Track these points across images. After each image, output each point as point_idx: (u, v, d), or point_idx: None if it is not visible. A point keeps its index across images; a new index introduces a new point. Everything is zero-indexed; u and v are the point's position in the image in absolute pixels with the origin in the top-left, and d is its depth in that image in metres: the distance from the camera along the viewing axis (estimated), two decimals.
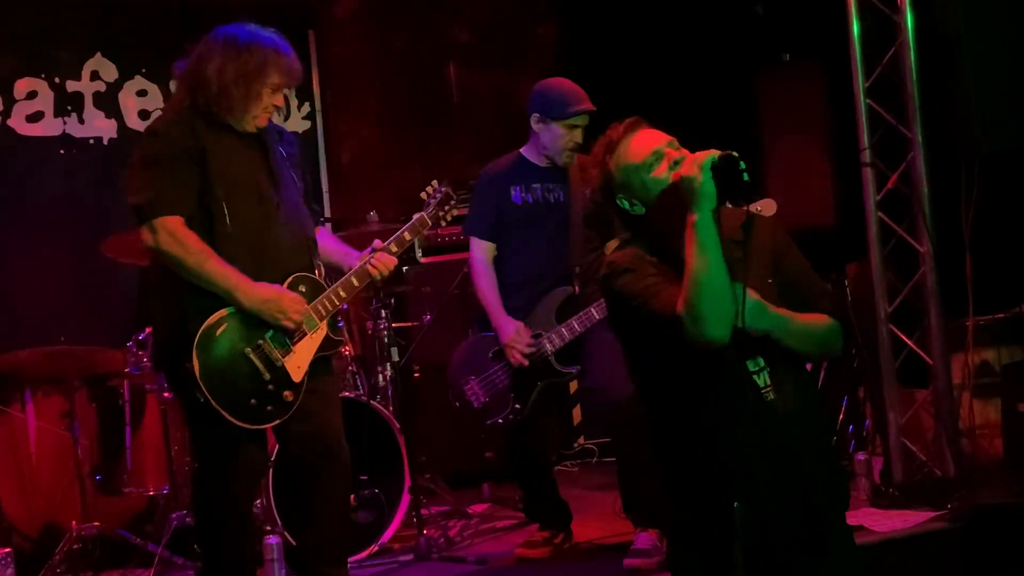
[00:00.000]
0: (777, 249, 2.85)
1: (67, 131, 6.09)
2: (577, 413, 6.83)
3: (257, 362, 3.55)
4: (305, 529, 3.81)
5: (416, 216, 4.04)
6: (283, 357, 3.59)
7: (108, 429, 4.99)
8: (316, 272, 3.75)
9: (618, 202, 2.79)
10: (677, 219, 2.64)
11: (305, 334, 3.64)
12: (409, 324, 6.10)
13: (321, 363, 3.72)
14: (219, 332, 3.51)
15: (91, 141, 6.15)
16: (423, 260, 6.34)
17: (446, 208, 4.11)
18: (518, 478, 4.77)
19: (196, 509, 3.80)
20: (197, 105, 3.60)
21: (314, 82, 6.85)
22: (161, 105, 6.08)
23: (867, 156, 4.98)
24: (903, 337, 5.01)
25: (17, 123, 5.96)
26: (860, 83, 4.98)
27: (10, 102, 5.96)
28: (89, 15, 6.18)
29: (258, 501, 4.55)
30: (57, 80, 6.07)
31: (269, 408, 3.57)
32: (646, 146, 2.78)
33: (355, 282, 3.79)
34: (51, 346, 4.93)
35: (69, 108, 6.10)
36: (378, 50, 7.17)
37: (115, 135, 6.18)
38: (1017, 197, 5.06)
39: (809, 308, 2.78)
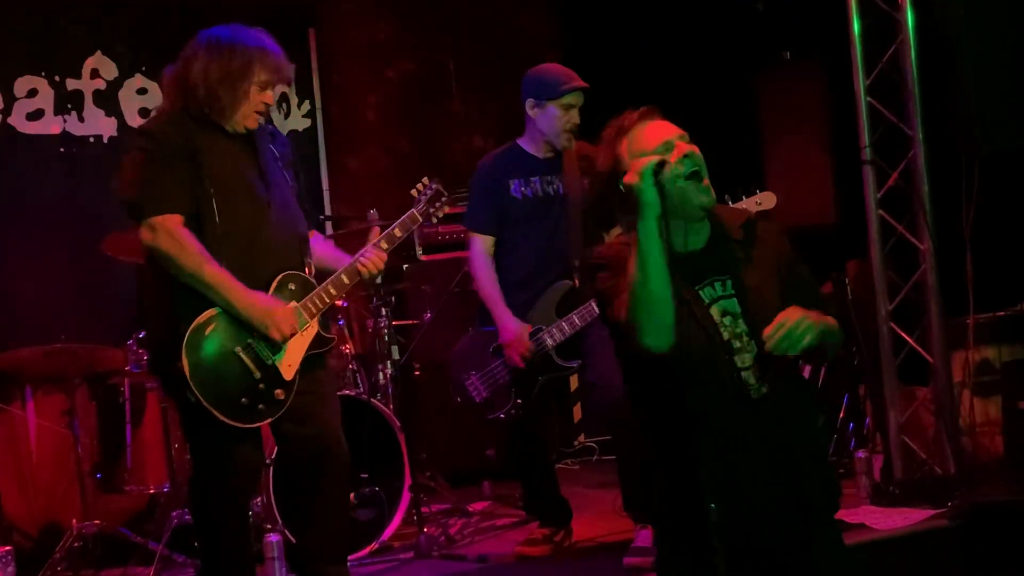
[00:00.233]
0: (782, 259, 2.86)
1: (67, 129, 6.09)
2: (578, 411, 6.84)
3: (247, 361, 3.55)
4: (305, 528, 3.80)
5: (407, 213, 4.04)
6: (273, 355, 3.59)
7: (108, 427, 4.98)
8: (307, 270, 3.75)
9: (621, 186, 2.80)
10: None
11: (296, 332, 3.65)
12: (410, 322, 6.10)
13: (315, 361, 3.72)
14: (208, 332, 3.51)
15: (91, 139, 6.15)
16: (423, 258, 6.34)
17: (437, 205, 4.10)
18: (519, 475, 4.77)
19: (193, 509, 3.80)
20: (189, 107, 3.61)
21: (314, 80, 6.85)
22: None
23: (868, 154, 4.98)
24: (903, 335, 5.01)
25: (17, 121, 5.97)
26: (860, 81, 4.97)
27: (10, 100, 5.96)
28: (89, 13, 6.18)
29: (258, 499, 4.56)
30: (57, 78, 6.08)
31: (261, 407, 3.56)
32: (658, 135, 2.81)
33: (345, 279, 3.79)
34: (51, 344, 4.92)
35: (69, 106, 6.10)
36: (378, 48, 7.17)
37: (115, 133, 6.18)
38: (1018, 195, 5.06)
39: None
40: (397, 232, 3.94)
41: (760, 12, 6.20)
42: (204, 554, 3.74)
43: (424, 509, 4.85)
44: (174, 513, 4.66)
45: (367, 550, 4.59)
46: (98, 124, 6.17)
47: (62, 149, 6.07)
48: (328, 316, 3.80)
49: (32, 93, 6.01)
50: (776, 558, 2.70)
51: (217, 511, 3.65)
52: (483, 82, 7.31)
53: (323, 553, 3.75)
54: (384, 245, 3.89)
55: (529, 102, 4.43)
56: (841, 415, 5.54)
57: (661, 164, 2.63)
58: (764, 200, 4.21)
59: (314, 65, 6.84)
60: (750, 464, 2.68)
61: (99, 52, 6.19)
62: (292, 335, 3.59)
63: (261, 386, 3.56)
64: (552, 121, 4.39)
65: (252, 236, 3.61)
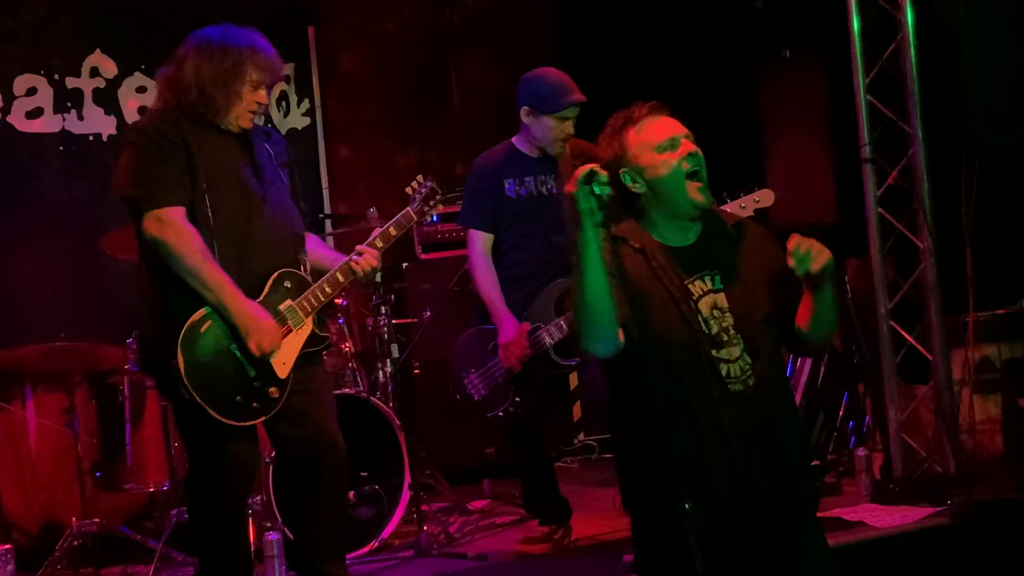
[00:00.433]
0: (772, 261, 2.90)
1: (66, 128, 6.08)
2: (577, 409, 6.83)
3: (242, 359, 3.55)
4: (303, 527, 3.80)
5: (402, 212, 4.04)
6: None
7: (108, 425, 4.98)
8: (302, 268, 3.75)
9: (621, 176, 2.84)
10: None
11: (291, 330, 3.64)
12: (409, 320, 6.10)
13: (310, 359, 3.72)
14: (203, 329, 3.51)
15: (90, 138, 6.14)
16: (423, 256, 6.34)
17: (431, 203, 4.11)
18: (518, 473, 4.78)
19: (190, 508, 3.81)
20: (182, 105, 3.61)
21: (314, 79, 6.84)
22: None
23: (867, 152, 4.98)
24: (903, 333, 5.01)
25: (16, 120, 5.95)
26: (860, 79, 4.97)
27: (9, 98, 5.95)
28: (89, 11, 6.16)
29: (258, 497, 4.56)
30: (56, 76, 6.06)
31: (255, 405, 3.57)
32: (666, 130, 2.87)
33: (340, 278, 3.79)
34: (51, 343, 4.92)
35: (68, 104, 6.09)
36: (378, 46, 7.17)
37: (114, 131, 6.16)
38: (1017, 193, 5.06)
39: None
40: (392, 231, 3.95)
41: (760, 10, 6.19)
42: (201, 552, 3.74)
43: (424, 507, 4.84)
44: (173, 511, 4.67)
45: (367, 548, 4.59)
46: (98, 122, 6.15)
47: (61, 147, 6.06)
48: (324, 315, 3.79)
49: (31, 91, 6.00)
50: (756, 555, 2.71)
51: (212, 509, 3.65)
52: (483, 80, 7.30)
53: (322, 551, 3.75)
54: (379, 243, 3.89)
55: (524, 109, 4.44)
56: (841, 413, 5.54)
57: (592, 173, 2.65)
58: (762, 198, 4.20)
59: (314, 64, 6.83)
60: (732, 458, 2.69)
61: (98, 50, 6.18)
62: (271, 352, 3.57)
63: (255, 384, 3.56)
64: (546, 131, 4.41)
65: (245, 232, 3.61)
